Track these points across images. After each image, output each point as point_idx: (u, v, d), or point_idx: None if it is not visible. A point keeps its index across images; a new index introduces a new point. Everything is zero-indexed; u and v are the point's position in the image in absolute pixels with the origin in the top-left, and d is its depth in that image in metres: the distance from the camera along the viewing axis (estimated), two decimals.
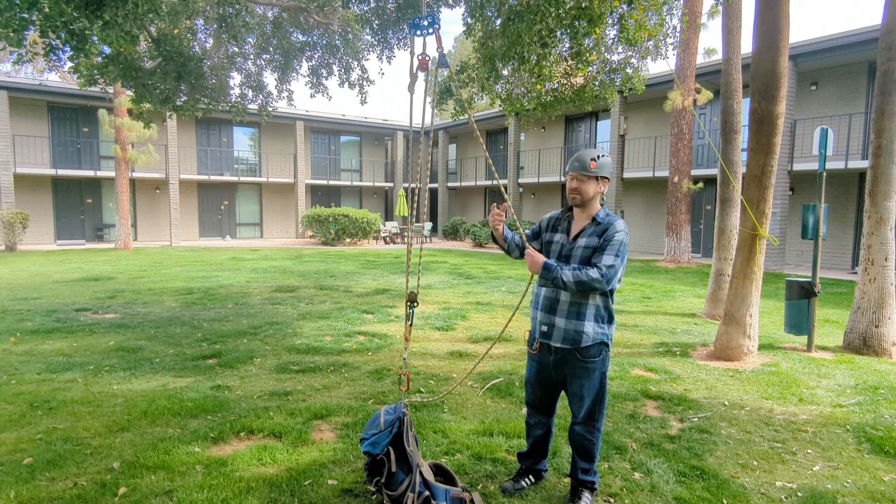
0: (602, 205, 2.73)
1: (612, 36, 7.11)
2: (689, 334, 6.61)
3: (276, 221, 25.60)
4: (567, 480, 2.98)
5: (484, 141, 27.31)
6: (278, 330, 6.47)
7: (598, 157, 2.66)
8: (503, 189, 2.99)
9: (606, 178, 2.69)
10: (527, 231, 2.93)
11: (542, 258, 2.64)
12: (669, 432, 3.64)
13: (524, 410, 3.95)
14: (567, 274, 2.53)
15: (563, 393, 2.87)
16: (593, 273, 2.49)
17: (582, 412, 2.68)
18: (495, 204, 2.78)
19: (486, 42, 6.87)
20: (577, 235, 2.68)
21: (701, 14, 13.89)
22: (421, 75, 2.87)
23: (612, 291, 2.64)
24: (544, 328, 2.71)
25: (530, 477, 2.92)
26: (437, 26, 2.76)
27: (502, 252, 2.97)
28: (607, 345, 2.67)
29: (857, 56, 13.37)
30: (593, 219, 2.67)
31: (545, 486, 2.92)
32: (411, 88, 2.87)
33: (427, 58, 2.82)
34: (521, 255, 2.86)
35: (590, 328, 2.61)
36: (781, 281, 10.31)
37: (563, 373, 2.70)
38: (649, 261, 15.69)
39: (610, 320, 2.68)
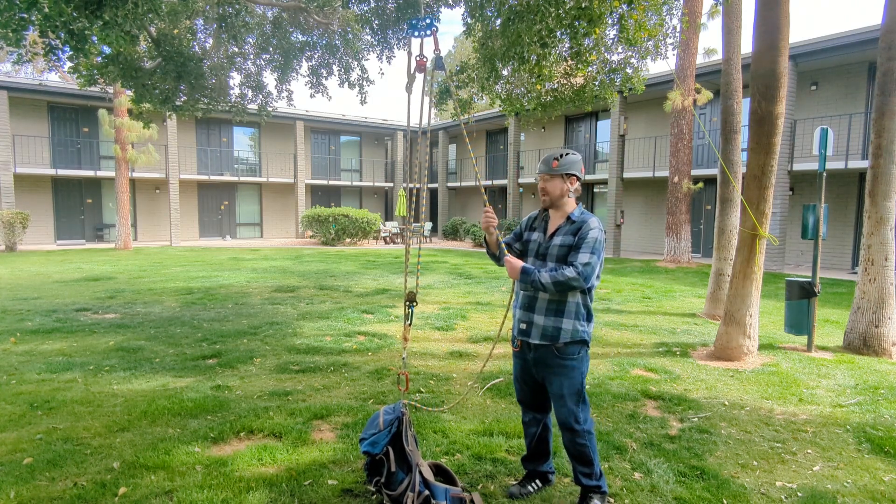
0: (578, 203, 2.76)
1: (611, 36, 7.11)
2: (689, 334, 6.61)
3: (276, 221, 25.60)
4: (567, 480, 2.98)
5: (484, 141, 27.33)
6: (278, 330, 6.47)
7: (562, 155, 2.69)
8: (483, 191, 2.98)
9: (574, 175, 2.70)
10: (507, 238, 2.92)
11: (520, 263, 2.66)
12: (669, 432, 3.64)
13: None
14: (545, 276, 2.55)
15: None
16: (569, 272, 2.51)
17: (565, 415, 2.66)
18: (485, 206, 2.76)
19: (486, 42, 6.87)
20: (553, 234, 2.71)
21: (701, 14, 13.88)
22: (419, 76, 2.87)
23: (590, 289, 2.66)
24: (523, 325, 2.73)
25: (537, 481, 2.88)
26: (434, 28, 2.76)
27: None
28: (587, 343, 2.68)
29: (857, 56, 13.36)
30: (568, 217, 2.69)
31: (546, 487, 2.91)
32: (409, 89, 2.87)
33: (425, 59, 2.82)
34: None
35: (569, 325, 2.62)
36: (781, 281, 10.31)
37: (542, 372, 2.71)
38: (649, 261, 15.69)
39: (588, 318, 2.70)
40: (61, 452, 3.17)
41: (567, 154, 2.70)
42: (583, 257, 2.54)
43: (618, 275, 12.55)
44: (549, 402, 2.89)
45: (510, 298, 3.14)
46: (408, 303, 2.88)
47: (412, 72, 2.85)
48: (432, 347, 5.82)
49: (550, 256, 2.66)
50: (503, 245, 2.84)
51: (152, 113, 10.67)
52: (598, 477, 2.70)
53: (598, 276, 2.63)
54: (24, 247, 18.24)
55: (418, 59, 2.81)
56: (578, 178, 2.72)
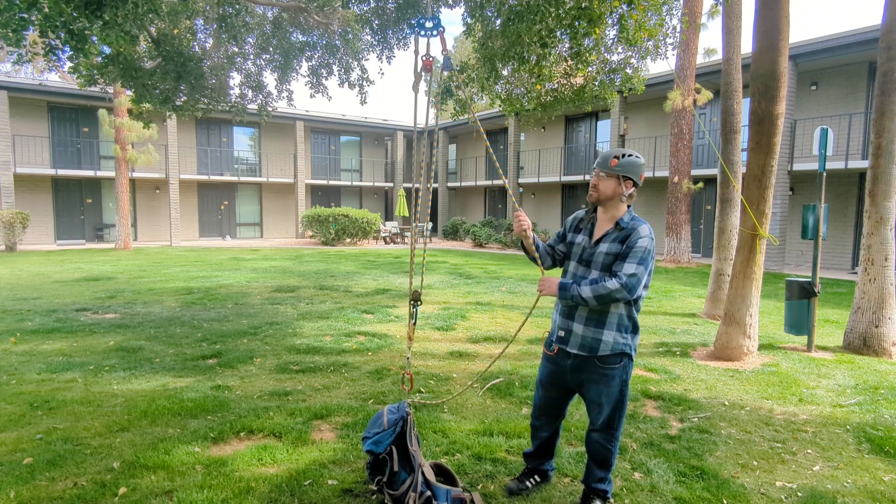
0: (629, 208, 2.60)
1: (611, 36, 7.11)
2: (689, 334, 6.61)
3: (276, 221, 25.60)
4: (567, 480, 2.98)
5: (485, 139, 27.27)
6: (278, 330, 6.47)
7: (624, 155, 2.55)
8: (509, 191, 2.95)
9: (631, 178, 2.55)
10: (550, 241, 2.85)
11: (555, 280, 2.56)
12: (669, 432, 3.64)
13: (524, 410, 3.96)
14: (585, 290, 2.44)
15: (573, 397, 2.82)
16: (612, 284, 2.39)
17: (601, 420, 2.60)
18: (517, 210, 2.68)
19: (486, 42, 6.87)
20: (600, 240, 2.57)
21: (701, 14, 13.89)
22: (425, 75, 2.87)
23: (637, 300, 2.53)
24: (562, 333, 2.63)
25: (535, 477, 2.88)
26: (441, 29, 2.76)
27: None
28: (629, 354, 2.56)
29: (857, 56, 13.37)
30: (617, 223, 2.54)
31: (544, 486, 2.92)
32: (416, 88, 2.87)
33: (431, 59, 2.81)
34: (553, 265, 2.78)
35: (610, 337, 2.51)
36: (781, 281, 10.31)
37: (579, 378, 2.61)
38: None
39: (634, 330, 2.57)
40: (61, 452, 3.17)
41: (629, 155, 2.54)
42: (629, 267, 2.40)
43: None
44: (566, 410, 2.85)
45: (531, 309, 3.07)
46: (412, 302, 2.87)
47: (419, 71, 2.84)
48: (432, 347, 5.82)
49: (595, 264, 2.53)
50: (543, 248, 2.76)
51: (152, 113, 10.67)
52: (608, 482, 2.69)
53: (645, 287, 2.49)
54: (24, 247, 18.24)
55: (425, 59, 2.80)
56: (636, 184, 2.56)
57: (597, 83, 7.98)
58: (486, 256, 17.39)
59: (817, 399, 4.35)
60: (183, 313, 7.42)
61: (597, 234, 2.61)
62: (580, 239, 2.67)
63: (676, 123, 14.38)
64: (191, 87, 9.18)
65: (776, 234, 13.70)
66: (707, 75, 14.95)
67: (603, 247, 2.54)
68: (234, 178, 23.51)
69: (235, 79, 10.76)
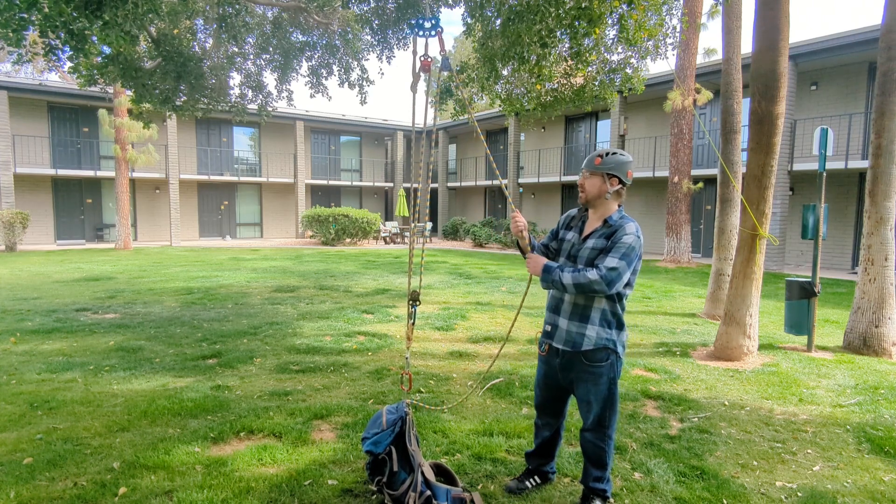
0: (619, 207, 2.63)
1: (611, 36, 7.11)
2: (689, 334, 6.61)
3: (276, 221, 25.60)
4: (567, 480, 2.98)
5: (484, 141, 27.27)
6: (278, 330, 6.47)
7: (608, 153, 2.59)
8: (507, 193, 2.97)
9: (616, 176, 2.58)
10: (544, 239, 2.88)
11: (542, 260, 2.61)
12: (669, 432, 3.64)
13: (524, 410, 3.96)
14: (566, 276, 2.48)
15: (571, 396, 2.83)
16: (591, 274, 2.42)
17: (591, 418, 2.61)
18: (514, 211, 2.72)
19: (486, 42, 6.86)
20: (588, 236, 2.62)
21: (701, 14, 13.89)
22: (423, 76, 2.87)
23: (620, 297, 2.56)
24: (548, 328, 2.69)
25: (536, 478, 2.88)
26: (440, 29, 2.76)
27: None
28: (615, 351, 2.58)
29: (857, 56, 13.37)
30: (605, 221, 2.58)
31: (544, 487, 2.91)
32: (414, 88, 2.87)
33: (430, 59, 2.82)
34: None
35: (593, 332, 2.54)
36: (781, 281, 10.31)
37: (569, 377, 2.64)
38: (649, 261, 15.69)
39: (619, 327, 2.59)
40: (61, 452, 3.17)
41: (613, 154, 2.58)
42: (610, 261, 2.43)
43: None
44: (566, 409, 2.86)
45: (521, 303, 3.11)
46: (411, 302, 2.88)
47: (417, 71, 2.84)
48: (432, 347, 5.82)
49: (581, 259, 2.58)
50: (539, 247, 2.79)
51: (152, 113, 10.66)
52: (606, 481, 2.70)
53: (630, 285, 2.52)
54: (24, 247, 18.23)
55: (423, 59, 2.81)
56: (622, 182, 2.59)
57: (597, 83, 7.98)
58: (486, 256, 17.39)
59: (817, 399, 4.35)
60: (183, 313, 7.42)
61: (586, 231, 2.66)
62: (570, 236, 2.72)
63: (676, 123, 14.38)
64: (191, 87, 9.18)
65: (776, 234, 13.70)
66: (707, 75, 14.95)
67: (590, 242, 2.59)
68: (234, 178, 23.51)
69: (235, 79, 10.76)
